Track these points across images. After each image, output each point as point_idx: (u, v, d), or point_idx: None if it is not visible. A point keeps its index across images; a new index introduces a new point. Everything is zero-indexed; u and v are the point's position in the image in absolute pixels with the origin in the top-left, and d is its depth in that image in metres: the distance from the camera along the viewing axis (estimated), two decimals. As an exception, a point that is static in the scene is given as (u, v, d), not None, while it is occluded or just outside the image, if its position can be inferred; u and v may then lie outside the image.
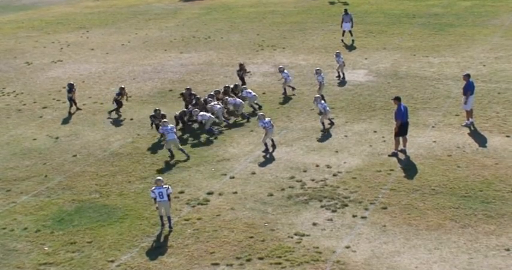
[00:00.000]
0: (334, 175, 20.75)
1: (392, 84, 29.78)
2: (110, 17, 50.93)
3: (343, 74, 31.23)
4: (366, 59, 34.29)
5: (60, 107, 29.38)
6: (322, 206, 18.79)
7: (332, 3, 51.32)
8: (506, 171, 20.42)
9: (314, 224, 17.85)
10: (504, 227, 17.17)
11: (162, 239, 17.62)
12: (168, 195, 17.87)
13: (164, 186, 17.97)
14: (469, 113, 24.57)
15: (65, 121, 27.28)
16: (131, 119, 27.13)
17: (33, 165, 23.07)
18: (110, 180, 21.50)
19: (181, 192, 20.22)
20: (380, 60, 33.15)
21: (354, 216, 18.16)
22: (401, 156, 21.99)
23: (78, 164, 22.94)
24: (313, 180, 20.45)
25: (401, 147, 22.26)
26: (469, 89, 24.44)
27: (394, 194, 19.33)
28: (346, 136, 24.01)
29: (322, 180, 20.40)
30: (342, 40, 38.63)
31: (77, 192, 20.75)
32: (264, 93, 29.49)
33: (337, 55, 31.25)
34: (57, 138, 25.46)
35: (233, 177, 21.11)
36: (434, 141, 23.05)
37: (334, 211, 18.48)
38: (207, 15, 49.48)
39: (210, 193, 20.03)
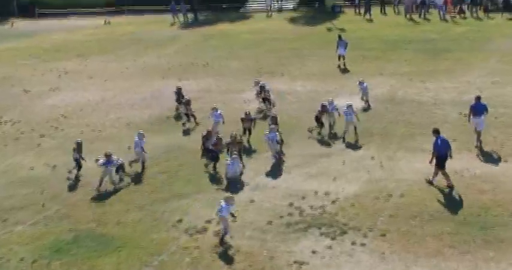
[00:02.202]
0: (333, 202, 20.64)
1: (390, 110, 29.78)
2: (109, 44, 51.09)
3: (367, 101, 30.84)
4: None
5: (58, 135, 29.31)
6: (321, 234, 18.66)
7: (329, 29, 51.55)
8: (504, 196, 20.32)
9: (313, 252, 17.71)
10: (503, 253, 17.04)
11: (160, 269, 17.45)
12: (232, 214, 18.77)
13: (231, 204, 18.63)
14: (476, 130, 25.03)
15: (63, 149, 27.15)
16: (129, 148, 27.01)
17: (31, 194, 22.94)
18: (107, 209, 21.37)
19: (180, 220, 20.08)
20: (377, 86, 33.18)
21: (353, 243, 18.02)
22: (411, 183, 21.88)
23: (76, 193, 22.82)
24: (311, 207, 20.34)
25: (431, 178, 21.71)
26: (471, 109, 25.03)
27: (392, 220, 19.21)
28: (343, 163, 23.93)
29: (320, 207, 20.29)
30: (339, 65, 38.85)
31: (75, 221, 20.61)
32: (262, 119, 29.43)
33: (361, 83, 31.12)
34: (54, 166, 25.36)
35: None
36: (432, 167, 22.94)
37: (333, 238, 18.35)
38: (205, 42, 49.65)
39: (208, 221, 19.89)
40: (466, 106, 29.05)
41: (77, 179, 24.13)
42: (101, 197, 22.34)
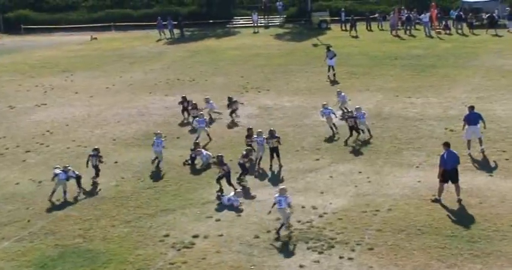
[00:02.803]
0: (320, 216, 20.66)
1: (376, 125, 29.89)
2: (95, 60, 51.08)
3: (346, 108, 31.10)
4: (349, 100, 34.35)
5: (44, 151, 29.20)
6: (308, 248, 18.65)
7: (315, 45, 51.91)
8: (490, 210, 20.44)
9: (301, 266, 17.69)
10: (490, 267, 17.11)
11: (146, 284, 17.38)
12: (289, 204, 19.64)
13: (286, 195, 19.52)
14: (468, 143, 25.58)
15: (48, 165, 27.00)
16: (115, 162, 26.97)
17: (16, 210, 22.79)
18: (93, 224, 21.27)
19: (167, 235, 20.01)
20: (363, 102, 33.33)
21: (340, 257, 18.03)
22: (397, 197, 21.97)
23: (62, 209, 22.70)
24: (299, 221, 20.34)
25: (442, 195, 21.57)
26: (465, 119, 25.78)
27: (380, 234, 19.25)
28: (331, 177, 23.98)
29: (308, 222, 20.29)
30: (328, 76, 39.85)
31: (60, 237, 20.48)
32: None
33: (339, 93, 32.45)
34: (40, 182, 25.23)
35: (219, 220, 20.95)
36: (419, 181, 23.07)
37: (320, 253, 18.34)
38: (192, 58, 49.77)
39: (195, 236, 19.84)
40: (452, 121, 29.51)
41: (95, 185, 24.55)
42: (87, 212, 22.23)
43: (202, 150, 26.22)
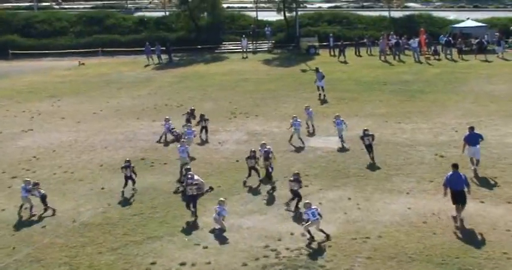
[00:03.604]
0: (310, 243, 20.57)
1: (366, 151, 29.89)
2: (82, 85, 51.04)
3: (313, 125, 33.95)
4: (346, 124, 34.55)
5: (30, 176, 28.94)
6: (297, 276, 18.54)
7: (304, 71, 52.14)
8: (481, 238, 20.41)
9: (290, 295, 17.57)
10: (482, 295, 17.04)
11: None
12: (319, 214, 20.76)
13: (313, 207, 20.72)
14: (471, 161, 26.46)
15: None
16: (102, 188, 26.85)
17: (1, 237, 22.58)
18: (79, 251, 21.08)
19: (153, 263, 19.87)
20: (353, 127, 33.38)
21: (330, 285, 17.92)
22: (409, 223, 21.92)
23: (47, 235, 22.51)
24: (288, 249, 20.25)
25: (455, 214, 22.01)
26: (465, 140, 26.60)
27: (370, 262, 19.17)
28: (320, 203, 23.88)
29: (297, 249, 20.20)
30: (320, 94, 41.46)
31: (46, 264, 20.28)
32: (237, 161, 29.46)
33: (306, 108, 34.38)
34: (26, 208, 25.02)
35: (206, 247, 20.83)
36: (409, 208, 23.06)
37: (310, 281, 18.23)
38: (180, 84, 49.85)
39: (182, 264, 19.70)
40: (442, 147, 29.63)
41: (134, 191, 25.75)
42: (73, 239, 22.04)
43: (195, 176, 25.90)
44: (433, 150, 29.59)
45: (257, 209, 23.87)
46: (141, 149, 32.48)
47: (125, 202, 25.19)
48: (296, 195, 23.64)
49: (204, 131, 33.64)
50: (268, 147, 27.31)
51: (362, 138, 29.02)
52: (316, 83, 42.51)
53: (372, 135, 28.85)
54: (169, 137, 33.50)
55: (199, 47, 65.80)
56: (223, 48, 67.23)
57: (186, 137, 30.99)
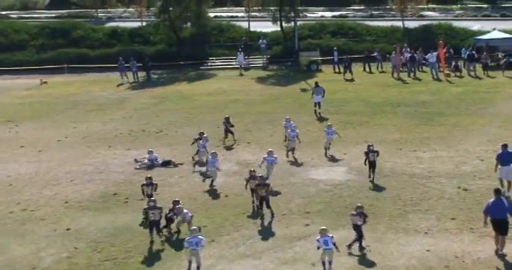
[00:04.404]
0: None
1: (377, 184, 29.97)
2: (44, 108, 51.08)
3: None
4: (345, 154, 34.65)
5: (-18, 215, 28.97)
6: None
7: (304, 90, 52.27)
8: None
9: None
10: None
11: None
12: (334, 244, 21.62)
13: (329, 235, 21.61)
14: (501, 183, 27.44)
15: (-12, 233, 26.81)
16: (68, 229, 26.75)
17: None
18: (41, 303, 20.99)
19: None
20: (361, 156, 33.37)
21: None
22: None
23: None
24: (286, 299, 20.21)
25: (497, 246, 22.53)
26: (498, 159, 27.83)
27: (383, 314, 19.12)
28: (324, 246, 23.89)
29: (297, 300, 20.15)
30: (315, 111, 42.91)
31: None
32: (226, 196, 29.45)
33: (287, 120, 36.81)
34: (-23, 252, 24.97)
35: (190, 298, 20.76)
36: (428, 250, 23.05)
37: None
38: (159, 105, 49.95)
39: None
40: (466, 179, 29.77)
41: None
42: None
43: (184, 209, 25.88)
44: (455, 182, 29.64)
45: (250, 252, 23.80)
46: (113, 182, 32.44)
47: (95, 245, 25.07)
48: (359, 233, 23.67)
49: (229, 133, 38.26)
50: (275, 156, 30.84)
51: (366, 153, 30.41)
52: (314, 99, 44.01)
53: (377, 152, 30.53)
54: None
55: (181, 62, 65.99)
56: (209, 64, 67.50)
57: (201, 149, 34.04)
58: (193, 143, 35.64)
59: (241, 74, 61.87)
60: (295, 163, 33.60)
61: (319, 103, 43.72)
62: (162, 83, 60.13)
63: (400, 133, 38.37)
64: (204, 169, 32.63)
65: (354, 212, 23.79)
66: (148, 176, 28.64)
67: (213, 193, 29.99)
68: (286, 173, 32.21)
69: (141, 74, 61.77)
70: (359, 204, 24.28)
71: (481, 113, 42.21)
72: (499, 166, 27.71)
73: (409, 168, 32.07)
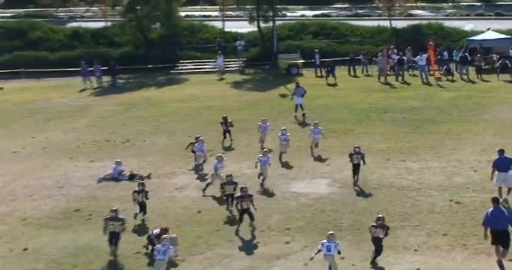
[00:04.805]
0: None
1: (363, 197, 30.07)
2: (-1, 116, 50.89)
3: (263, 142, 38.12)
4: (327, 165, 34.74)
5: None
6: None
7: (283, 96, 52.28)
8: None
9: None
10: None
11: None
12: (339, 251, 22.68)
13: (335, 241, 22.66)
14: (500, 191, 27.76)
15: None
16: (25, 249, 26.61)
17: None
18: None
19: None
20: (346, 167, 33.58)
21: None
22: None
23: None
24: None
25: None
26: (494, 165, 28.41)
27: None
28: (305, 265, 23.95)
29: None
30: (295, 116, 43.22)
31: None
32: (199, 212, 29.43)
33: (263, 122, 38.60)
34: None
35: None
36: (418, 269, 23.14)
37: None
38: (126, 113, 49.82)
39: None
40: (458, 191, 29.94)
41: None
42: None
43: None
44: (447, 195, 29.79)
45: (224, 273, 23.84)
46: (75, 197, 32.31)
47: (55, 266, 24.95)
48: (379, 247, 23.84)
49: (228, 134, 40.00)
50: (269, 156, 32.80)
51: (351, 155, 31.91)
52: (294, 100, 44.95)
53: (363, 155, 31.94)
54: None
55: (150, 66, 65.85)
56: (180, 67, 67.43)
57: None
58: (187, 147, 36.80)
59: (221, 79, 61.76)
60: (274, 176, 33.54)
61: (300, 105, 44.72)
62: (128, 88, 59.98)
63: (387, 142, 38.49)
64: (201, 173, 34.41)
65: (375, 224, 24.00)
66: (142, 182, 29.77)
67: (185, 208, 29.97)
68: (265, 186, 32.21)
69: (106, 79, 61.59)
70: (380, 215, 24.53)
71: (474, 120, 42.42)
72: (496, 172, 28.11)
73: (397, 180, 32.19)
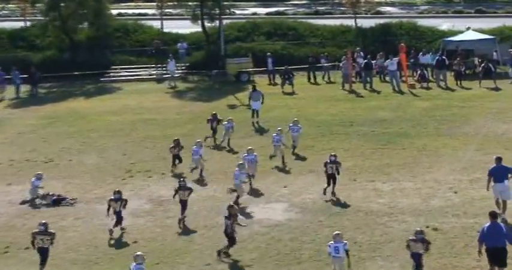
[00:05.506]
0: None
1: (325, 224, 30.10)
2: None
3: (229, 140, 41.50)
4: (285, 187, 34.72)
5: None
6: None
7: (232, 106, 52.31)
8: None
9: None
10: None
11: None
12: (346, 251, 24.03)
13: (344, 241, 24.10)
14: (497, 203, 28.47)
15: None
16: None
17: None
18: None
19: None
20: (306, 189, 33.66)
21: None
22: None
23: None
24: None
25: None
26: (490, 174, 29.21)
27: None
28: (259, 304, 23.96)
29: None
30: (253, 122, 44.90)
31: None
32: (135, 242, 29.25)
33: (229, 121, 41.52)
34: None
35: None
36: (390, 307, 23.29)
37: None
38: (49, 128, 49.48)
39: None
40: (435, 216, 30.15)
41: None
42: None
43: None
44: (423, 221, 29.89)
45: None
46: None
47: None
48: (419, 262, 24.05)
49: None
50: (255, 153, 35.39)
51: (325, 164, 33.29)
52: (251, 105, 47.46)
53: (338, 164, 33.31)
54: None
55: (76, 73, 65.38)
56: (112, 74, 67.08)
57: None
58: (179, 151, 38.29)
59: (173, 87, 61.48)
60: (222, 200, 33.48)
61: (257, 111, 46.65)
62: (52, 99, 59.57)
63: (353, 160, 38.60)
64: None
65: (414, 237, 24.21)
66: (117, 189, 30.93)
67: (118, 239, 29.77)
68: (211, 212, 32.09)
69: (25, 88, 61.09)
70: (419, 229, 24.94)
71: (453, 134, 42.72)
72: (492, 183, 28.67)
73: (365, 204, 32.29)
